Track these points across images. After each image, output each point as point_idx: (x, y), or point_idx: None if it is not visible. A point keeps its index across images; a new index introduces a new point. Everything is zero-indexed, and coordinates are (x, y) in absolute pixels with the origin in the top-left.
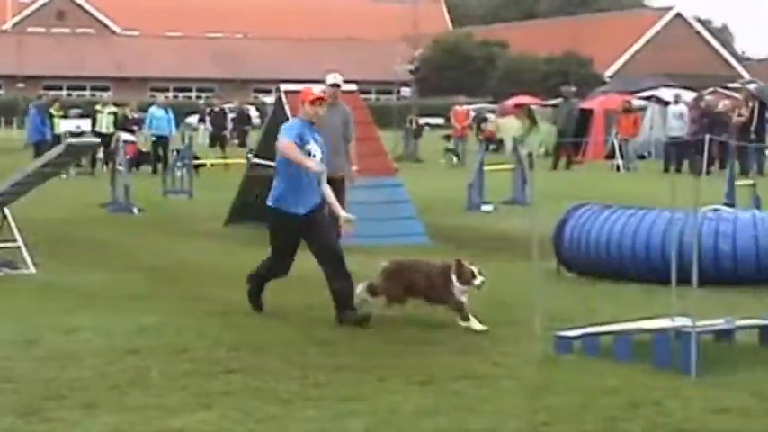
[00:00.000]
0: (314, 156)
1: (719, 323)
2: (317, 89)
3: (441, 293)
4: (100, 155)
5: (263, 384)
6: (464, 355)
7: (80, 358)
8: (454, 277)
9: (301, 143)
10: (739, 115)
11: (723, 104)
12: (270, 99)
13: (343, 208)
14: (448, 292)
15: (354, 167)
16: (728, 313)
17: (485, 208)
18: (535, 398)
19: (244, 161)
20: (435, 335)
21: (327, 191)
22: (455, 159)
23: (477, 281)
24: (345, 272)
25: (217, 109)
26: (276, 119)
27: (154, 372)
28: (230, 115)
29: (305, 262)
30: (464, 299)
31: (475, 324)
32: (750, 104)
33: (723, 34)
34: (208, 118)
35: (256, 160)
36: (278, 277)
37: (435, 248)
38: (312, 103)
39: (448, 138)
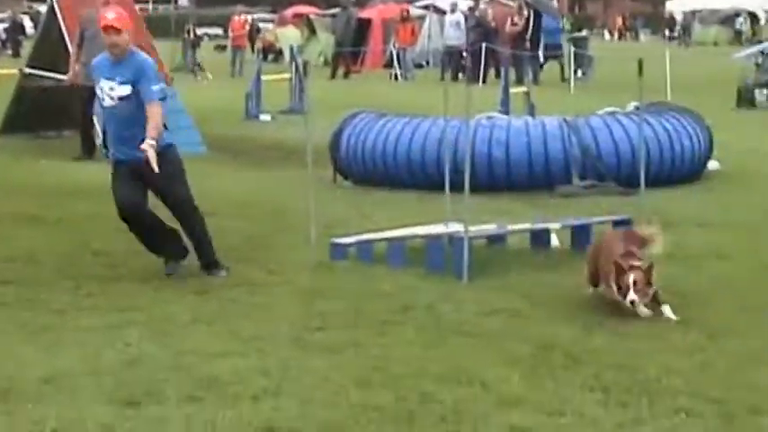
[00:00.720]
0: (103, 99)
1: (492, 228)
2: (110, 15)
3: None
4: None
5: (36, 296)
6: (240, 263)
7: None
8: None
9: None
10: (513, 24)
11: (491, 13)
12: (44, 8)
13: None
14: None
15: None
16: (501, 219)
17: (262, 117)
18: (309, 304)
19: (16, 72)
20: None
21: (151, 120)
22: (198, 75)
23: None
24: (187, 222)
25: None
26: (48, 28)
27: None
28: (1, 25)
29: (83, 174)
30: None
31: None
32: (525, 14)
33: None
34: None
35: (29, 71)
36: (134, 225)
37: (212, 158)
38: (105, 31)
39: (222, 48)
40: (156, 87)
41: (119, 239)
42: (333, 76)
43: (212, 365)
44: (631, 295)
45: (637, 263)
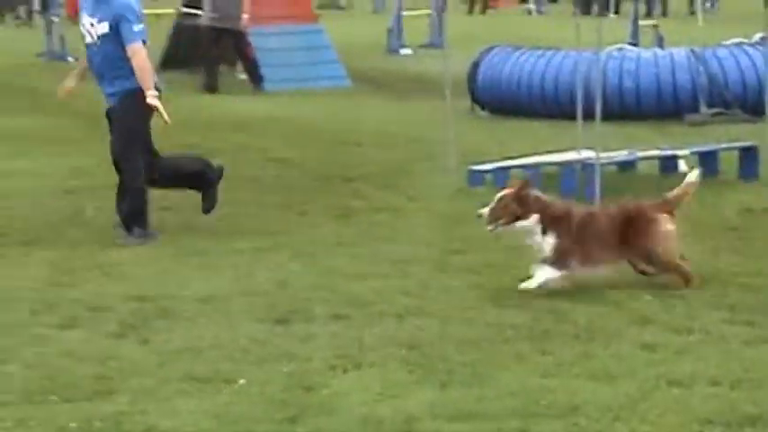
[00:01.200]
0: (84, 36)
1: (622, 155)
2: None
3: None
4: (36, 6)
5: (192, 220)
6: (381, 189)
7: (18, 199)
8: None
9: None
10: None
11: None
12: None
13: (248, 58)
14: None
15: (246, 15)
16: (631, 146)
17: (403, 51)
18: (448, 228)
19: (173, 11)
20: (355, 171)
21: (138, 69)
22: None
23: None
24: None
25: None
26: None
27: (88, 210)
28: None
29: (243, 107)
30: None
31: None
32: None
33: None
34: None
35: (187, 9)
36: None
37: (357, 91)
38: None
39: None
40: (137, 28)
41: (267, 168)
42: (470, 11)
43: (356, 286)
44: (483, 209)
45: (519, 192)
